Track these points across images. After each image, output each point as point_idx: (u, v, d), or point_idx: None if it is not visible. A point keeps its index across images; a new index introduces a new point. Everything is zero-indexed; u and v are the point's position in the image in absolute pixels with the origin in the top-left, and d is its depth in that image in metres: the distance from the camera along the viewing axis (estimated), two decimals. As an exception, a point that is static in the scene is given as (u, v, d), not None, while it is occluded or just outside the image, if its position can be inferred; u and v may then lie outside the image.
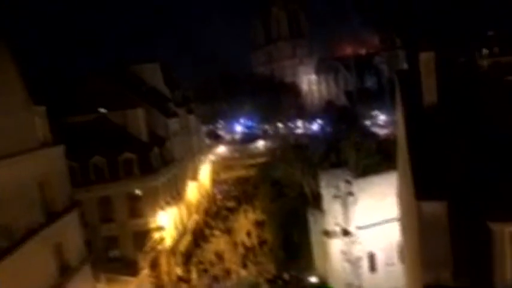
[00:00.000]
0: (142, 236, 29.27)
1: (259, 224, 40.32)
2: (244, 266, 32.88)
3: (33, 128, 17.17)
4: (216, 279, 31.26)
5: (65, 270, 17.44)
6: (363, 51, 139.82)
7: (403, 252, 20.00)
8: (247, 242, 38.06)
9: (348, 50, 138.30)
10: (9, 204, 14.24)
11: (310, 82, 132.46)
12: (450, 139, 13.10)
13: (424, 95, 14.03)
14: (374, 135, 44.87)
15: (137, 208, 30.23)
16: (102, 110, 32.75)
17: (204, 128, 72.12)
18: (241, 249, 36.43)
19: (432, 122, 13.58)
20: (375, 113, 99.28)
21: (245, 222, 43.80)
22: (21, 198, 15.19)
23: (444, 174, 12.23)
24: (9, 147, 14.89)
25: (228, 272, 32.51)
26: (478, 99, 13.96)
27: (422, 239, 12.31)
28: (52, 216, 17.08)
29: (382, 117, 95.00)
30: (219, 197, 56.33)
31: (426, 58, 13.96)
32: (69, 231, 18.54)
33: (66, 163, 20.08)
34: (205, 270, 33.24)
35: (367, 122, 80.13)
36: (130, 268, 25.82)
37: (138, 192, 30.26)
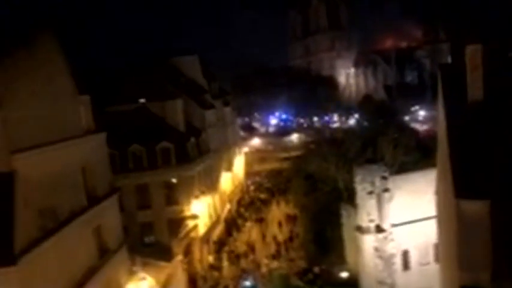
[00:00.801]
0: (177, 223, 30.07)
1: (291, 218, 40.27)
2: (275, 257, 33.07)
3: (78, 116, 17.98)
4: (245, 270, 31.64)
5: (104, 252, 18.26)
6: (404, 44, 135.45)
7: (439, 251, 19.43)
8: (279, 235, 38.24)
9: (389, 43, 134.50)
10: (55, 188, 15.05)
11: (348, 75, 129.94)
12: (493, 137, 12.55)
13: (468, 91, 13.48)
14: (413, 131, 43.52)
15: (173, 196, 31.04)
16: (142, 101, 33.74)
17: (239, 120, 72.70)
18: (272, 241, 36.63)
19: (476, 119, 13.05)
20: (415, 108, 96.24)
21: (277, 214, 43.97)
22: (66, 182, 16.00)
23: (486, 172, 11.76)
24: (56, 133, 15.70)
25: (258, 263, 32.85)
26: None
27: (460, 238, 11.93)
28: (93, 200, 17.88)
29: (422, 113, 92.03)
30: (252, 188, 56.77)
31: (473, 51, 13.38)
32: (109, 216, 19.35)
33: (107, 150, 20.91)
34: (237, 256, 33.63)
35: (406, 118, 77.84)
36: (165, 254, 26.60)
37: (174, 180, 31.04)
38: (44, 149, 14.60)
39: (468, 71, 13.46)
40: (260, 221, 41.91)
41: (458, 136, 13.12)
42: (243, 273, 31.02)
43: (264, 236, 38.15)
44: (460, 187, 11.81)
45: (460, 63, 13.94)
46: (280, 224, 40.52)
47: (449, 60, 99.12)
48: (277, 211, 45.03)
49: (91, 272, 16.58)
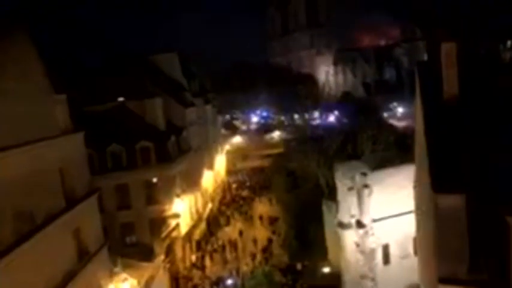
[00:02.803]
0: (158, 222, 29.77)
1: (272, 219, 40.17)
2: (255, 256, 33.09)
3: (54, 116, 17.53)
4: (228, 268, 31.59)
5: (84, 255, 17.90)
6: (382, 42, 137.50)
7: (418, 245, 19.85)
8: (261, 232, 38.34)
9: (367, 41, 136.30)
10: (30, 190, 14.64)
11: (327, 73, 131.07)
12: (469, 132, 12.88)
13: (444, 87, 13.78)
14: (391, 128, 44.32)
15: (154, 196, 30.70)
16: (121, 99, 33.19)
17: (221, 118, 72.37)
18: (254, 239, 36.70)
19: (451, 115, 13.36)
20: (393, 105, 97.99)
21: (259, 212, 44.07)
22: (43, 184, 15.59)
23: (462, 167, 12.05)
24: (31, 134, 15.27)
25: (240, 261, 32.86)
26: (500, 92, 13.64)
27: (438, 232, 12.20)
28: (72, 201, 17.48)
29: (400, 110, 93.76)
30: (234, 186, 56.72)
31: (448, 49, 13.67)
32: (88, 217, 18.98)
33: (85, 150, 20.48)
34: (220, 254, 33.37)
35: (385, 114, 79.16)
36: (146, 254, 26.31)
37: (154, 180, 30.70)
38: (18, 150, 14.18)
39: (444, 68, 13.75)
40: (242, 220, 41.92)
41: (435, 131, 13.40)
42: (226, 272, 30.98)
43: (247, 233, 38.13)
44: (437, 181, 12.07)
45: (436, 60, 14.23)
46: (261, 219, 40.64)
47: (426, 57, 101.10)
48: (260, 209, 45.11)
49: (71, 276, 16.23)
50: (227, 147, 70.07)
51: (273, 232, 37.37)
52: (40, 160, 15.50)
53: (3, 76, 14.31)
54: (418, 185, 18.21)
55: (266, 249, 33.50)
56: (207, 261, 33.66)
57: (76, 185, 18.19)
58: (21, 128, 14.71)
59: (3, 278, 12.22)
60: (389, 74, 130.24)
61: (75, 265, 16.94)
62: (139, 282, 22.12)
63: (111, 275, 20.27)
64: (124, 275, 20.85)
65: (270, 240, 35.02)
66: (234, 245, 35.85)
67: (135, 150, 30.34)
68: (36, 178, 15.11)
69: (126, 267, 21.59)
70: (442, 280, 11.96)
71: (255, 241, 35.20)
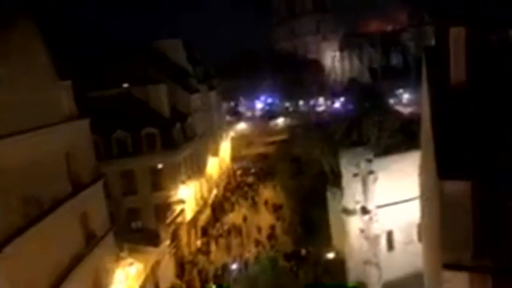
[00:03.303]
0: (164, 208, 30.03)
1: (276, 207, 40.17)
2: (260, 243, 33.31)
3: (59, 102, 17.58)
4: (232, 253, 31.89)
5: (91, 239, 18.15)
6: (389, 28, 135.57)
7: (422, 231, 19.89)
8: (266, 218, 38.57)
9: (374, 26, 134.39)
10: (38, 175, 14.78)
11: (333, 59, 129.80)
12: (476, 119, 12.74)
13: (452, 73, 13.57)
14: (397, 114, 44.07)
15: (159, 182, 30.89)
16: (126, 85, 33.15)
17: (225, 105, 72.27)
18: (259, 225, 36.95)
19: (459, 101, 13.20)
20: (400, 91, 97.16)
21: (264, 198, 44.27)
22: (49, 170, 15.73)
23: (469, 154, 11.96)
24: (37, 120, 15.34)
25: (245, 246, 33.16)
26: (509, 80, 13.43)
27: (443, 218, 12.19)
28: (78, 187, 17.66)
29: (406, 96, 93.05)
30: (238, 172, 56.91)
31: (456, 34, 13.41)
32: (94, 202, 19.18)
33: (91, 137, 20.57)
34: (226, 240, 33.47)
35: (391, 101, 78.59)
36: (152, 239, 26.61)
37: (160, 166, 30.84)
38: (25, 136, 14.27)
39: (452, 54, 13.53)
40: (249, 203, 42.15)
41: (442, 118, 13.26)
42: (231, 257, 31.29)
43: (248, 220, 38.35)
44: (443, 168, 11.99)
45: (444, 45, 13.99)
46: (266, 204, 40.78)
47: (433, 42, 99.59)
48: (264, 195, 45.30)
49: (78, 259, 16.49)
50: (232, 133, 70.09)
51: (278, 219, 37.56)
52: (46, 146, 15.60)
53: (9, 63, 14.32)
54: (423, 172, 18.15)
55: (271, 236, 33.67)
56: (212, 247, 33.99)
57: (82, 170, 18.33)
58: (27, 115, 14.78)
59: (12, 262, 12.43)
60: (396, 60, 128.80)
61: (82, 249, 17.20)
62: (145, 267, 22.44)
63: (118, 259, 20.56)
64: (130, 260, 21.15)
65: (272, 227, 35.15)
66: (238, 230, 36.13)
67: (141, 137, 30.44)
68: (43, 164, 15.25)
69: (132, 252, 21.89)
70: (446, 266, 11.98)
71: (259, 229, 35.36)
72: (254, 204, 42.68)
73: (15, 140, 13.66)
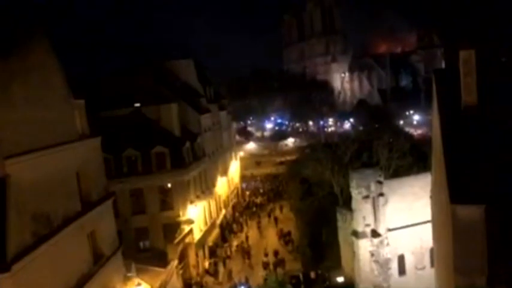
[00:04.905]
0: (172, 228, 29.87)
1: (284, 235, 39.26)
2: (267, 265, 32.81)
3: (72, 121, 17.84)
4: (240, 275, 31.44)
5: (99, 258, 18.07)
6: (398, 49, 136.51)
7: (435, 255, 19.46)
8: (274, 239, 38.12)
9: (383, 48, 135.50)
10: (48, 193, 14.87)
11: (342, 80, 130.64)
12: (488, 141, 12.62)
13: (462, 95, 13.56)
14: (407, 136, 43.73)
15: (168, 201, 30.87)
16: (137, 105, 33.62)
17: (235, 125, 72.69)
18: (268, 245, 36.51)
19: (470, 124, 13.12)
20: (409, 112, 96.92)
21: (272, 221, 43.87)
22: (60, 188, 15.82)
23: (481, 177, 11.81)
24: (50, 138, 15.55)
25: (253, 268, 32.71)
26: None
27: (456, 243, 11.96)
28: (88, 205, 17.69)
29: (416, 117, 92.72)
30: (247, 192, 56.68)
31: (466, 57, 13.48)
32: (104, 221, 19.17)
33: (102, 155, 20.76)
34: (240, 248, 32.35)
35: (401, 122, 78.32)
36: (160, 259, 26.41)
37: (169, 185, 30.88)
38: (38, 154, 14.44)
39: (462, 76, 13.54)
40: (256, 227, 41.71)
41: (453, 141, 13.17)
42: (238, 279, 30.86)
43: (257, 241, 37.86)
44: (455, 192, 11.84)
45: (454, 68, 14.03)
46: (276, 220, 39.71)
47: (443, 65, 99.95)
48: (273, 216, 44.87)
49: (86, 278, 16.38)
50: (241, 153, 70.21)
51: (286, 243, 36.76)
52: (58, 164, 15.76)
53: (25, 82, 14.66)
54: (434, 195, 17.90)
55: (280, 261, 32.97)
56: (220, 268, 33.59)
57: (92, 189, 18.42)
58: (41, 133, 15.02)
59: (20, 279, 12.42)
60: (406, 81, 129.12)
61: (91, 268, 17.10)
62: (152, 287, 22.21)
63: (125, 279, 20.40)
64: (137, 280, 20.97)
65: (275, 253, 34.37)
66: (247, 252, 35.72)
67: (150, 156, 30.63)
68: (54, 182, 15.37)
69: (139, 272, 21.72)
70: (459, 292, 11.70)
71: (266, 253, 34.66)
72: (262, 226, 42.23)
73: (28, 157, 13.85)
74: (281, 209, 45.85)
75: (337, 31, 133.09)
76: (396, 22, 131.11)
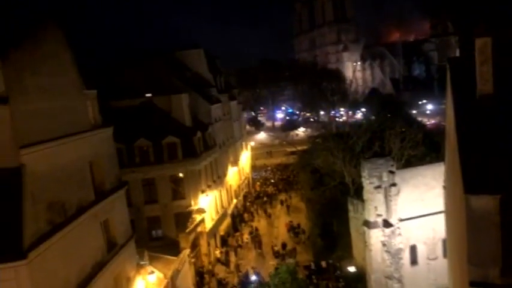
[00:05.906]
0: (184, 217, 30.19)
1: (292, 228, 39.00)
2: (279, 254, 32.97)
3: (85, 111, 18.02)
4: (251, 264, 31.66)
5: (112, 247, 18.37)
6: (411, 37, 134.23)
7: (448, 246, 19.32)
8: (286, 229, 38.26)
9: (396, 36, 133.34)
10: (63, 182, 15.12)
11: (354, 69, 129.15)
12: (504, 131, 12.37)
13: (478, 85, 13.25)
14: (420, 125, 43.17)
15: (179, 190, 31.15)
16: (148, 95, 33.77)
17: (245, 115, 72.60)
18: (279, 235, 36.69)
19: (485, 113, 12.86)
20: (422, 102, 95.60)
21: (284, 209, 44.00)
22: (74, 177, 16.06)
23: (496, 167, 11.60)
24: (64, 128, 15.75)
25: (264, 257, 32.92)
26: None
27: (469, 234, 11.81)
28: (101, 194, 17.95)
29: (429, 107, 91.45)
30: (258, 182, 56.86)
31: (482, 44, 13.11)
32: (117, 210, 19.44)
33: (114, 145, 20.96)
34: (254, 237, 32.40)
35: (414, 111, 77.30)
36: (172, 248, 26.76)
37: (181, 175, 31.12)
38: (52, 144, 14.66)
39: (477, 65, 13.22)
40: (267, 217, 41.86)
41: (467, 130, 12.93)
42: (250, 267, 31.11)
43: (271, 230, 38.06)
44: (469, 182, 11.65)
45: (469, 56, 13.70)
46: (288, 207, 39.51)
47: (457, 53, 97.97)
48: (284, 206, 44.99)
49: (100, 266, 16.70)
50: (252, 143, 70.21)
51: (296, 235, 36.76)
52: (72, 154, 15.98)
53: (39, 73, 14.81)
54: (448, 185, 17.69)
55: (291, 252, 33.05)
56: (232, 257, 33.89)
57: (105, 178, 18.65)
58: (54, 123, 15.21)
59: (36, 267, 12.70)
60: (419, 70, 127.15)
61: (104, 256, 17.41)
62: (165, 276, 22.53)
63: (138, 267, 20.72)
64: (150, 268, 21.28)
65: (283, 245, 34.29)
66: (258, 241, 35.94)
67: (162, 146, 30.84)
68: (68, 171, 15.60)
69: (152, 260, 22.03)
70: (472, 284, 11.58)
71: (273, 247, 34.75)
72: (273, 215, 42.39)
73: (43, 147, 14.06)
74: (290, 198, 45.90)
75: (349, 19, 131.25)
76: (409, 9, 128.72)
